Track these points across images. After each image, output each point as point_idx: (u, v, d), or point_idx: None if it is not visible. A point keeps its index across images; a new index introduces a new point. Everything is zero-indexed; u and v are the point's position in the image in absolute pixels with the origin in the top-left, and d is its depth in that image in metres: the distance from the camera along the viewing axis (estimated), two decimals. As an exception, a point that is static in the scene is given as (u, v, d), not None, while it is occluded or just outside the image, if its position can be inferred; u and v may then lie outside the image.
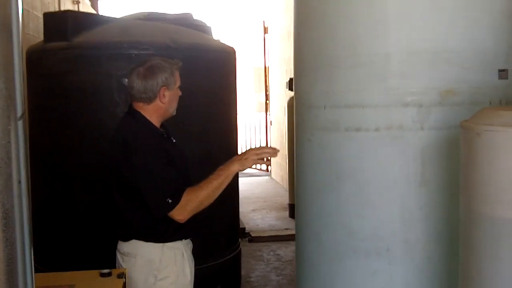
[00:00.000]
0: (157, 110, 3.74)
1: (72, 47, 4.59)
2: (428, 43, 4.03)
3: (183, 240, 3.86)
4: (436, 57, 4.02)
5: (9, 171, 1.88)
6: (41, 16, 4.85)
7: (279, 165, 14.03)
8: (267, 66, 14.92)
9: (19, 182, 1.93)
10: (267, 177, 15.30)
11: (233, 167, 3.72)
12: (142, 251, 3.77)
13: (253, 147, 15.57)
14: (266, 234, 9.76)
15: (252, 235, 9.73)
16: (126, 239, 3.81)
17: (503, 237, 3.07)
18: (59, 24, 4.58)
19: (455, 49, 4.05)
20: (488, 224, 3.13)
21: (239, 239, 5.72)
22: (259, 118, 15.98)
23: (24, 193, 1.96)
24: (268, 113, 15.15)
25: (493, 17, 4.18)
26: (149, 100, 3.72)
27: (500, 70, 4.15)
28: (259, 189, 13.82)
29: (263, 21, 14.81)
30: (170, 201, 3.58)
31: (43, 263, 4.29)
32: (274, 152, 3.87)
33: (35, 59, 4.18)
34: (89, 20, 4.90)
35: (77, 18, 4.82)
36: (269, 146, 3.67)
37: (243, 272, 7.69)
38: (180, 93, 3.82)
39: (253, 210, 11.64)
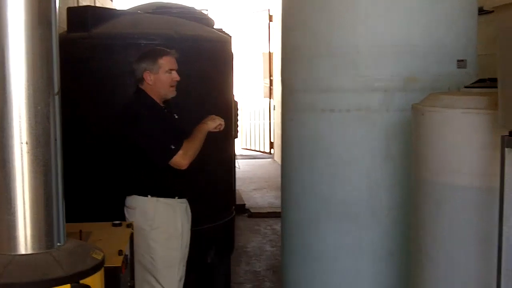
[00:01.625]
0: (151, 90, 4.48)
1: (91, 37, 5.21)
2: (394, 38, 4.60)
3: (176, 198, 4.57)
4: (401, 50, 4.58)
5: (48, 131, 2.55)
6: (63, 9, 5.45)
7: (280, 148, 14.39)
8: (271, 53, 15.31)
9: (55, 140, 2.59)
10: (269, 160, 15.70)
11: (208, 126, 4.49)
12: (139, 204, 4.51)
13: (255, 130, 16.12)
14: (265, 211, 10.29)
15: (252, 211, 10.28)
16: (129, 194, 4.54)
17: (442, 200, 3.62)
18: (80, 17, 5.20)
19: (418, 42, 4.61)
20: (431, 189, 3.70)
21: (233, 207, 6.28)
22: (264, 103, 16.30)
23: (59, 149, 2.62)
24: (272, 98, 15.52)
25: (453, 14, 4.74)
26: (140, 81, 4.49)
27: (458, 60, 4.73)
28: (261, 171, 14.29)
29: (268, 9, 15.29)
30: (173, 147, 4.32)
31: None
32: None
33: (60, 47, 4.79)
34: (106, 13, 5.52)
35: (96, 12, 5.44)
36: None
37: (240, 243, 8.32)
38: (172, 78, 4.49)
39: (254, 189, 12.16)
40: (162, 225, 4.51)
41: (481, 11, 5.23)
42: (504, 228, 3.09)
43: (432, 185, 3.69)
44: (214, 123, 4.51)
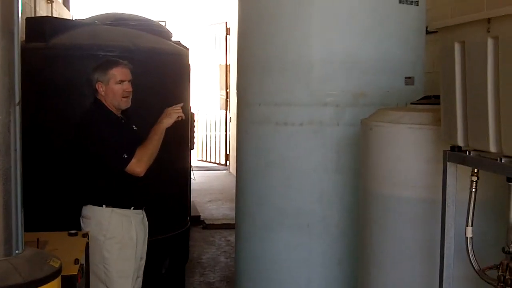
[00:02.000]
0: (105, 100, 4.54)
1: (49, 47, 5.30)
2: (345, 54, 4.74)
3: (132, 209, 4.62)
4: (351, 66, 4.72)
5: (8, 141, 2.63)
6: (22, 18, 5.51)
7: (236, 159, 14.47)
8: (228, 65, 15.41)
9: (15, 149, 2.67)
10: (225, 171, 15.74)
11: (163, 124, 4.49)
12: (95, 214, 4.55)
13: (211, 142, 16.16)
14: (219, 222, 10.32)
15: (206, 222, 10.29)
16: (85, 203, 4.59)
17: (388, 211, 3.80)
18: (39, 27, 5.28)
19: (368, 59, 4.76)
20: (378, 201, 3.87)
21: (188, 218, 6.36)
22: (220, 114, 16.36)
23: (19, 158, 2.70)
24: (228, 110, 15.60)
25: (403, 32, 4.92)
26: (96, 92, 4.55)
27: (406, 77, 4.91)
28: (216, 182, 14.29)
29: (226, 22, 15.42)
30: (125, 156, 4.36)
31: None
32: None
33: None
34: (64, 24, 5.61)
35: (54, 23, 5.53)
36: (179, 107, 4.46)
37: (195, 255, 8.37)
38: (124, 89, 4.53)
39: (209, 200, 12.18)
40: (116, 236, 4.55)
41: (430, 31, 5.39)
42: (446, 237, 3.26)
43: (379, 196, 3.85)
44: (170, 119, 4.51)
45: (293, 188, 4.91)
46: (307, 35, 4.80)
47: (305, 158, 4.86)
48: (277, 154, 4.96)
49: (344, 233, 4.81)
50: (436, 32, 5.28)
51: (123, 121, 4.64)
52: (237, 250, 5.63)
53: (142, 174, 4.45)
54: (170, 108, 4.55)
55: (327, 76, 4.77)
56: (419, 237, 3.67)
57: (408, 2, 4.89)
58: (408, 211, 3.70)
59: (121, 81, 4.53)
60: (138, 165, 4.40)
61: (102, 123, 4.49)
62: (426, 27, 5.23)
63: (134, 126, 4.74)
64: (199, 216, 10.53)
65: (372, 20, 4.81)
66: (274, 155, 4.98)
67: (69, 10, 14.19)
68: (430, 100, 4.00)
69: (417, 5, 4.98)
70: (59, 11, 11.72)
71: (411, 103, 4.12)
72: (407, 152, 3.69)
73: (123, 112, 4.67)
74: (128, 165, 4.38)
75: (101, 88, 4.53)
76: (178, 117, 4.53)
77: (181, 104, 4.65)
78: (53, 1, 10.60)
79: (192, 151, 7.99)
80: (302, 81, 4.81)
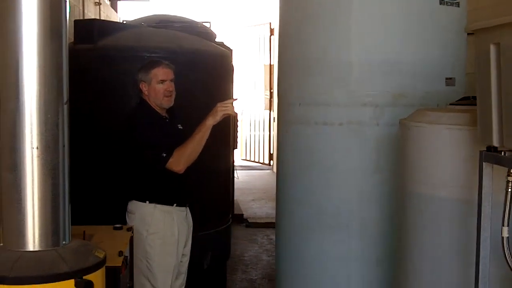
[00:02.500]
0: (148, 99, 4.70)
1: (97, 49, 5.47)
2: (384, 56, 4.78)
3: (175, 206, 4.76)
4: (391, 67, 4.77)
5: (57, 138, 2.76)
6: (70, 21, 5.67)
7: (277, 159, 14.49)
8: (272, 65, 15.48)
9: (64, 146, 2.80)
10: (268, 171, 15.81)
11: (208, 122, 4.56)
12: (138, 210, 4.73)
13: (255, 142, 16.24)
14: (262, 221, 10.43)
15: (250, 221, 10.43)
16: (130, 199, 4.76)
17: (426, 210, 3.81)
18: (87, 29, 5.46)
19: (408, 61, 4.80)
20: (416, 200, 3.89)
21: (230, 215, 6.46)
22: (264, 114, 16.43)
23: (66, 154, 2.83)
24: (272, 110, 15.67)
25: (443, 33, 4.94)
26: (140, 92, 4.72)
27: (447, 78, 4.93)
28: (260, 182, 14.40)
29: (270, 23, 15.52)
30: (164, 155, 4.50)
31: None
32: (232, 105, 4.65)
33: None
34: (111, 26, 5.78)
35: (102, 25, 5.71)
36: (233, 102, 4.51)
37: (238, 252, 8.48)
38: (166, 88, 4.67)
39: (252, 199, 12.30)
40: (158, 231, 4.70)
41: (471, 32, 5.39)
42: (482, 237, 3.28)
43: (416, 196, 3.88)
44: (215, 117, 4.56)
45: (333, 188, 4.97)
46: (346, 37, 4.87)
47: (345, 158, 4.91)
48: (316, 154, 5.02)
49: (383, 233, 4.84)
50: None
51: (167, 120, 4.77)
52: (277, 248, 5.71)
53: (182, 172, 4.56)
54: (219, 104, 4.61)
55: (366, 78, 4.82)
56: (455, 237, 3.69)
57: (449, 3, 4.90)
58: (445, 211, 3.72)
59: (162, 81, 4.67)
60: (176, 164, 4.53)
61: (145, 122, 4.63)
62: (467, 28, 5.25)
63: (179, 125, 4.86)
64: (242, 214, 10.65)
65: (412, 21, 4.85)
66: (313, 155, 5.04)
67: (116, 12, 14.43)
68: (469, 101, 4.00)
69: (458, 6, 4.99)
70: (107, 13, 11.95)
71: (450, 104, 4.14)
72: (444, 153, 3.71)
73: (169, 111, 4.80)
74: (167, 164, 4.51)
75: (144, 88, 4.69)
76: (224, 114, 4.58)
77: (232, 100, 4.73)
78: (101, 4, 10.83)
79: (236, 150, 8.08)
80: (341, 82, 4.87)
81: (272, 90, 15.57)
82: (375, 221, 4.90)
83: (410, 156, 3.96)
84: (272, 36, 15.40)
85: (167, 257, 4.76)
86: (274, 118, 15.29)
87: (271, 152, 15.82)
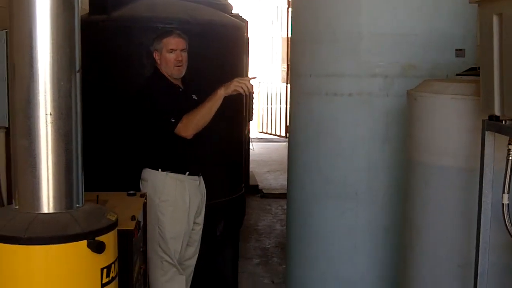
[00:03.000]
0: (161, 68, 4.81)
1: (111, 19, 5.51)
2: (394, 26, 4.84)
3: (187, 174, 4.87)
4: (401, 38, 4.82)
5: (70, 105, 2.86)
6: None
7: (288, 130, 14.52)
8: (289, 38, 15.44)
9: (76, 113, 2.91)
10: (284, 143, 15.81)
11: (220, 92, 4.62)
12: (151, 177, 4.85)
13: (271, 114, 16.30)
14: (277, 192, 10.58)
15: (264, 192, 10.61)
16: (143, 167, 4.88)
17: (430, 179, 3.91)
18: (101, 1, 5.52)
19: (418, 31, 4.84)
20: (420, 169, 3.98)
21: (243, 185, 6.55)
22: (281, 87, 16.45)
23: (79, 121, 2.94)
24: (288, 82, 15.63)
25: (452, 5, 4.93)
26: (154, 61, 4.82)
27: (457, 50, 4.95)
28: (276, 154, 14.53)
29: (287, -5, 15.52)
30: (173, 120, 4.60)
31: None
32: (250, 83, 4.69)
33: (82, 29, 5.09)
34: (125, -2, 5.88)
35: (115, -4, 5.80)
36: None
37: (251, 222, 8.62)
38: (175, 57, 4.75)
39: (268, 171, 12.43)
40: (170, 199, 4.82)
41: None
42: (483, 204, 3.38)
43: (421, 165, 3.96)
44: (226, 90, 4.60)
45: (342, 157, 5.05)
46: (357, 7, 4.91)
47: (354, 128, 4.99)
48: (326, 125, 5.10)
49: (391, 202, 4.93)
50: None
51: (180, 89, 4.86)
52: (288, 217, 5.81)
53: (190, 137, 4.65)
54: (237, 79, 4.68)
55: (376, 48, 4.87)
56: (459, 205, 3.78)
57: (459, -27, 4.91)
58: (448, 179, 3.80)
59: (172, 50, 4.76)
60: (185, 129, 4.61)
61: (155, 89, 4.74)
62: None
63: (194, 96, 4.93)
64: (257, 185, 10.76)
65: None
66: (323, 125, 5.11)
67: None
68: (476, 71, 4.02)
69: (468, -24, 5.02)
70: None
71: (457, 75, 4.21)
72: (449, 122, 3.78)
73: (184, 82, 4.89)
74: (176, 129, 4.60)
75: (157, 57, 4.80)
76: (235, 90, 4.62)
77: (250, 78, 4.80)
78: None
79: (253, 123, 8.12)
80: (352, 52, 4.92)
81: (288, 63, 15.58)
82: (383, 190, 4.99)
83: (416, 126, 4.03)
84: (289, 8, 15.37)
85: (178, 224, 4.87)
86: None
87: (287, 125, 15.85)
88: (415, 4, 4.88)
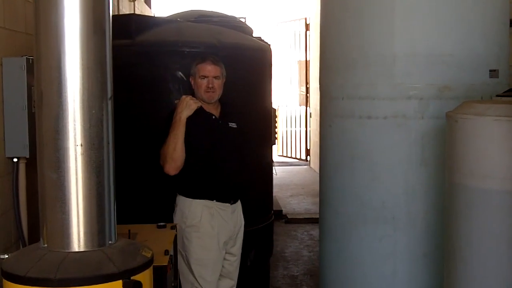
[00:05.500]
0: (195, 94, 4.73)
1: (135, 44, 5.38)
2: (428, 47, 4.70)
3: (215, 201, 4.74)
4: (435, 59, 4.68)
5: (101, 134, 2.71)
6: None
7: (317, 155, 14.43)
8: (308, 60, 15.43)
9: (108, 142, 2.75)
10: (306, 167, 15.75)
11: (182, 115, 4.58)
12: (179, 203, 4.78)
13: (291, 138, 16.21)
14: (301, 217, 10.38)
15: (289, 217, 10.36)
16: (175, 192, 4.79)
17: (474, 203, 3.73)
18: (125, 25, 5.34)
19: (452, 52, 4.70)
20: (464, 193, 3.80)
21: (272, 212, 6.40)
22: (300, 110, 16.41)
23: (111, 151, 2.78)
24: (308, 105, 15.62)
25: (486, 24, 4.84)
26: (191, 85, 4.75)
27: (491, 70, 4.83)
28: (297, 177, 14.30)
29: (305, 18, 15.44)
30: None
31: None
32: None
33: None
34: (149, 21, 5.71)
35: (140, 20, 5.64)
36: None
37: (278, 248, 8.43)
38: (207, 84, 4.69)
39: (290, 195, 12.22)
40: (195, 224, 4.71)
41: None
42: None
43: (465, 189, 3.79)
44: (188, 110, 4.61)
45: (378, 181, 4.90)
46: (390, 29, 4.78)
47: (389, 151, 4.85)
48: (361, 148, 4.96)
49: (430, 226, 4.79)
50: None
51: (213, 117, 4.74)
52: (321, 244, 5.64)
53: (171, 174, 4.63)
54: (184, 97, 4.67)
55: (410, 70, 4.74)
56: (505, 230, 3.61)
57: (492, -7, 4.80)
58: (494, 203, 3.64)
59: (204, 76, 4.69)
60: (164, 166, 4.63)
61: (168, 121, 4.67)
62: (510, 20, 5.14)
63: (233, 123, 4.83)
64: (281, 210, 10.58)
65: (456, 13, 4.76)
66: (358, 148, 4.97)
67: (150, 8, 14.44)
68: None
69: (502, -3, 4.90)
70: (141, 9, 11.96)
71: (497, 96, 4.08)
72: (493, 144, 3.64)
73: (223, 109, 4.83)
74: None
75: (192, 81, 4.77)
76: (186, 105, 4.62)
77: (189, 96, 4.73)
78: (135, 0, 10.82)
79: (273, 146, 8.01)
80: (385, 74, 4.79)
81: (308, 86, 15.53)
82: (421, 214, 4.83)
83: (458, 148, 3.87)
84: (307, 32, 15.31)
85: (204, 251, 4.74)
86: (310, 113, 15.28)
87: (308, 148, 15.76)
88: (448, 24, 4.75)
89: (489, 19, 4.87)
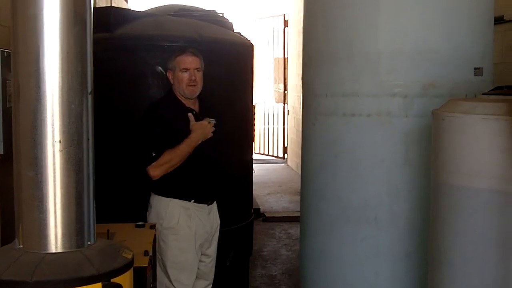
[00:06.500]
0: (174, 89, 4.58)
1: (114, 38, 5.23)
2: (413, 44, 4.62)
3: (192, 201, 4.59)
4: (420, 56, 4.61)
5: (81, 131, 2.59)
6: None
7: (294, 153, 14.45)
8: (286, 58, 15.37)
9: (88, 139, 2.63)
10: (283, 164, 15.74)
11: (198, 137, 4.48)
12: (155, 203, 4.60)
13: (268, 135, 16.14)
14: (279, 215, 10.33)
15: (266, 215, 10.30)
16: (148, 191, 4.62)
17: (461, 202, 3.66)
18: (103, 18, 5.19)
19: (437, 49, 4.63)
20: (450, 192, 3.73)
21: (252, 211, 6.31)
22: (277, 107, 16.36)
23: (91, 148, 2.67)
24: (286, 103, 15.57)
25: (471, 22, 4.78)
26: (169, 81, 4.59)
27: (475, 68, 4.77)
28: (275, 175, 14.30)
29: (284, 15, 15.36)
30: (154, 154, 4.38)
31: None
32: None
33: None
34: (128, 15, 5.59)
35: (118, 13, 5.50)
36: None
37: (256, 247, 8.33)
38: (189, 77, 4.52)
39: (268, 193, 12.18)
40: (172, 226, 4.56)
41: (498, 21, 5.25)
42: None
43: (451, 187, 3.73)
44: (205, 137, 4.52)
45: (361, 180, 4.82)
46: (374, 25, 4.70)
47: (373, 149, 4.76)
48: (344, 146, 4.87)
49: (413, 226, 4.71)
50: (505, 22, 5.14)
51: (194, 112, 4.59)
52: (302, 244, 5.55)
53: (155, 179, 4.45)
54: (208, 124, 4.54)
55: (395, 67, 4.66)
56: (492, 229, 3.54)
57: (477, -9, 4.74)
58: (481, 203, 3.57)
59: (185, 69, 4.52)
60: (155, 169, 4.43)
61: (150, 117, 4.53)
62: (495, 17, 5.09)
63: (212, 119, 4.66)
64: (259, 208, 10.51)
65: (442, 9, 4.68)
66: (341, 147, 4.88)
67: (127, 2, 14.28)
68: (503, 90, 3.90)
69: (487, -6, 4.85)
70: (117, 3, 11.81)
71: (483, 94, 4.01)
72: (480, 143, 3.57)
73: (201, 104, 4.67)
74: (149, 165, 4.41)
75: (170, 76, 4.59)
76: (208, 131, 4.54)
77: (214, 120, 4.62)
78: (112, -6, 10.68)
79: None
80: (370, 71, 4.71)
81: (286, 83, 15.47)
82: (405, 214, 4.75)
83: (444, 147, 3.80)
84: (286, 28, 15.23)
85: (181, 254, 4.61)
86: (288, 111, 15.25)
87: (286, 146, 15.71)
88: (433, 20, 4.68)
89: (474, 16, 4.81)
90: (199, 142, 4.48)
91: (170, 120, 4.48)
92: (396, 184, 4.74)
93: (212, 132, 4.57)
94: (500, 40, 5.13)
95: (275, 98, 16.47)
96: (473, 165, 3.61)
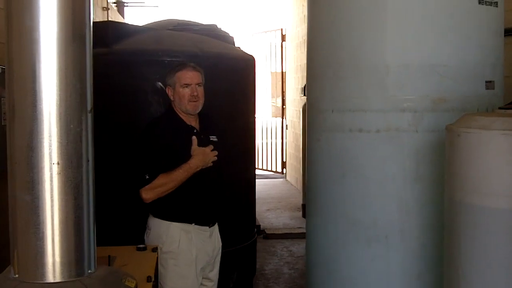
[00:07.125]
0: (174, 105, 4.39)
1: (112, 53, 5.11)
2: (422, 58, 4.51)
3: (194, 224, 4.40)
4: (430, 70, 4.49)
5: (80, 152, 2.44)
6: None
7: (293, 168, 14.32)
8: (284, 72, 15.28)
9: (88, 160, 2.48)
10: (282, 179, 15.60)
11: (197, 164, 4.28)
12: (154, 226, 4.39)
13: (266, 150, 16.02)
14: (280, 232, 10.13)
15: (267, 232, 10.12)
16: (147, 213, 4.42)
17: (478, 222, 3.52)
18: (101, 32, 5.01)
19: (447, 63, 4.52)
20: (467, 211, 3.59)
21: (255, 230, 6.16)
22: (276, 122, 16.27)
23: (91, 170, 2.51)
24: (284, 117, 15.47)
25: (481, 34, 4.67)
26: (169, 97, 4.39)
27: (487, 82, 4.66)
28: (274, 190, 14.12)
29: (281, 29, 15.26)
30: (147, 177, 4.19)
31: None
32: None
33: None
34: (127, 29, 5.45)
35: (117, 27, 5.37)
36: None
37: (257, 266, 8.16)
38: (191, 92, 4.34)
39: (268, 209, 11.99)
40: (172, 250, 4.37)
41: (508, 32, 5.13)
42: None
43: (468, 207, 3.59)
44: (206, 164, 4.34)
45: (370, 198, 4.69)
46: (382, 39, 4.59)
47: (382, 166, 4.63)
48: (352, 163, 4.74)
49: (424, 245, 4.59)
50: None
51: (195, 130, 4.42)
52: (309, 264, 5.40)
53: (146, 202, 4.27)
54: (210, 152, 4.36)
55: (403, 81, 4.55)
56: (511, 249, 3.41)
57: (487, 3, 4.63)
58: (500, 222, 3.44)
59: (186, 85, 4.35)
60: (148, 192, 4.24)
61: (148, 135, 4.35)
62: (505, 29, 4.97)
63: (214, 137, 4.51)
64: (259, 225, 10.35)
65: (450, 22, 4.58)
66: (348, 164, 4.75)
67: (123, 18, 14.20)
68: None
69: (496, 6, 4.73)
70: (114, 19, 11.71)
71: (499, 108, 3.87)
72: (500, 160, 3.42)
73: (202, 120, 4.49)
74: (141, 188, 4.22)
75: (170, 92, 4.40)
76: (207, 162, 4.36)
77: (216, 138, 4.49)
78: (109, 9, 10.57)
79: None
80: (377, 86, 4.59)
81: (284, 98, 15.37)
82: (416, 232, 4.62)
83: (460, 164, 3.65)
84: (283, 42, 15.13)
85: (181, 279, 4.40)
86: (286, 125, 15.15)
87: (284, 160, 15.57)
88: (442, 34, 4.57)
89: (484, 28, 4.70)
90: (198, 169, 4.29)
91: (169, 139, 4.31)
92: (407, 201, 4.61)
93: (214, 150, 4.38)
94: (510, 52, 5.00)
95: (272, 112, 16.35)
96: (492, 183, 3.48)
